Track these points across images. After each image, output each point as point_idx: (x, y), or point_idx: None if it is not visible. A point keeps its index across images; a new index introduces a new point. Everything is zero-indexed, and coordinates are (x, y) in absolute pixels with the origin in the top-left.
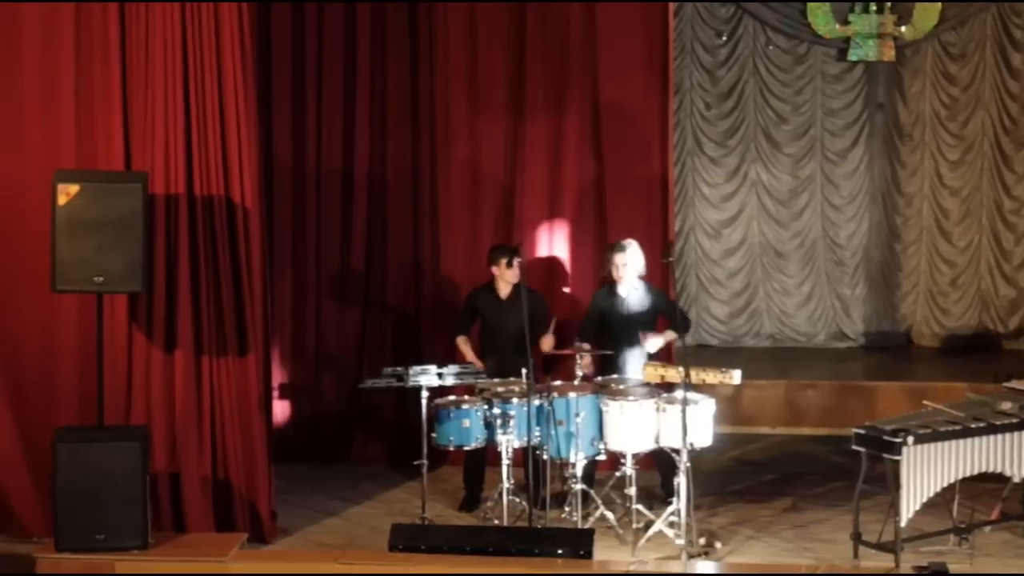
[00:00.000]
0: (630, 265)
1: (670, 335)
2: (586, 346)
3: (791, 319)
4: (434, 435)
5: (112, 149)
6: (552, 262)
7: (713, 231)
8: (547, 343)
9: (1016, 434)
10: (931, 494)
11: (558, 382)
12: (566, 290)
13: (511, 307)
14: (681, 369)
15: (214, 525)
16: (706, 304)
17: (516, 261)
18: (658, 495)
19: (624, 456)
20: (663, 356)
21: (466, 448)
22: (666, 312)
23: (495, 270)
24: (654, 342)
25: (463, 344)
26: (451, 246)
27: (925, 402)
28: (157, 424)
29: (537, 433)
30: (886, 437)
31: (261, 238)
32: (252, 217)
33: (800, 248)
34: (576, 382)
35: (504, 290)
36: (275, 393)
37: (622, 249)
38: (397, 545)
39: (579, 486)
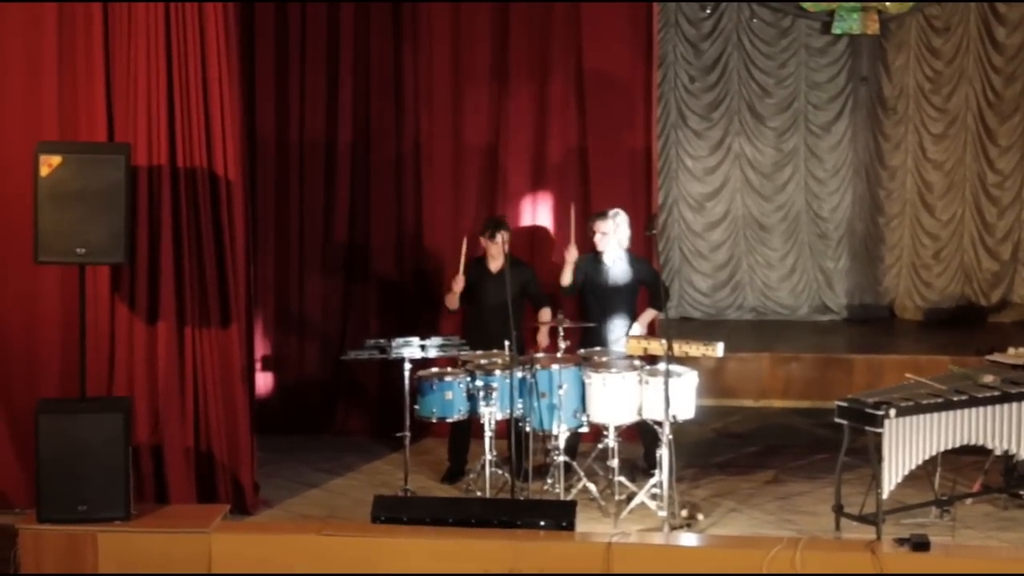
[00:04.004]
0: (612, 235)
1: (651, 314)
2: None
3: (774, 292)
4: (417, 407)
5: (94, 120)
6: (536, 233)
7: (696, 204)
8: (545, 318)
9: (998, 407)
10: (913, 467)
11: (541, 354)
12: (549, 261)
13: (499, 280)
14: (664, 341)
15: (196, 496)
16: (689, 277)
17: (500, 234)
18: (640, 467)
19: (607, 428)
20: (648, 328)
21: (449, 420)
22: (648, 284)
23: (483, 242)
24: (637, 328)
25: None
26: (434, 217)
27: (907, 375)
28: (140, 396)
29: (520, 405)
30: (868, 410)
31: (244, 209)
32: (235, 188)
33: (783, 221)
34: (559, 354)
35: (494, 264)
36: (258, 365)
37: (604, 216)
38: (379, 517)
39: (561, 458)
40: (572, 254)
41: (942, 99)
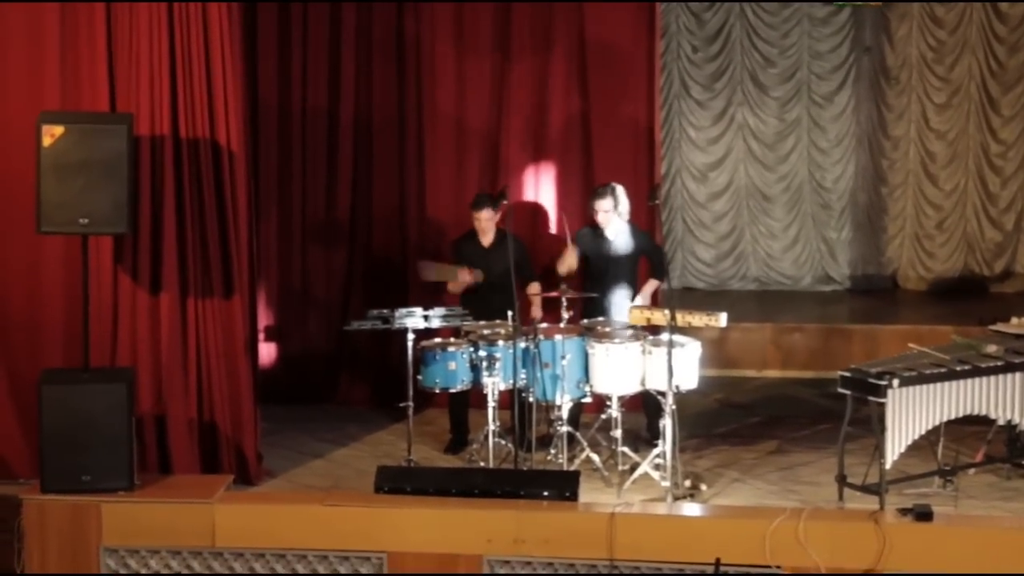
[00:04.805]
0: (613, 211)
1: (653, 284)
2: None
3: (777, 262)
4: (420, 377)
5: (97, 90)
6: (538, 204)
7: (699, 174)
8: (534, 289)
9: (1001, 377)
10: (916, 436)
11: (544, 324)
12: (551, 232)
13: (495, 253)
14: (667, 312)
15: (200, 467)
16: (692, 247)
17: (502, 204)
18: (644, 437)
19: (610, 399)
20: (651, 298)
21: (452, 391)
22: (650, 255)
23: (473, 215)
24: (642, 297)
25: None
26: (437, 187)
27: (911, 345)
28: (143, 366)
29: (523, 375)
30: (871, 380)
31: (246, 180)
32: (237, 159)
33: (786, 191)
34: (562, 324)
35: (486, 239)
36: (261, 335)
37: (603, 195)
38: (383, 487)
39: (565, 428)
40: (571, 253)
41: (945, 69)
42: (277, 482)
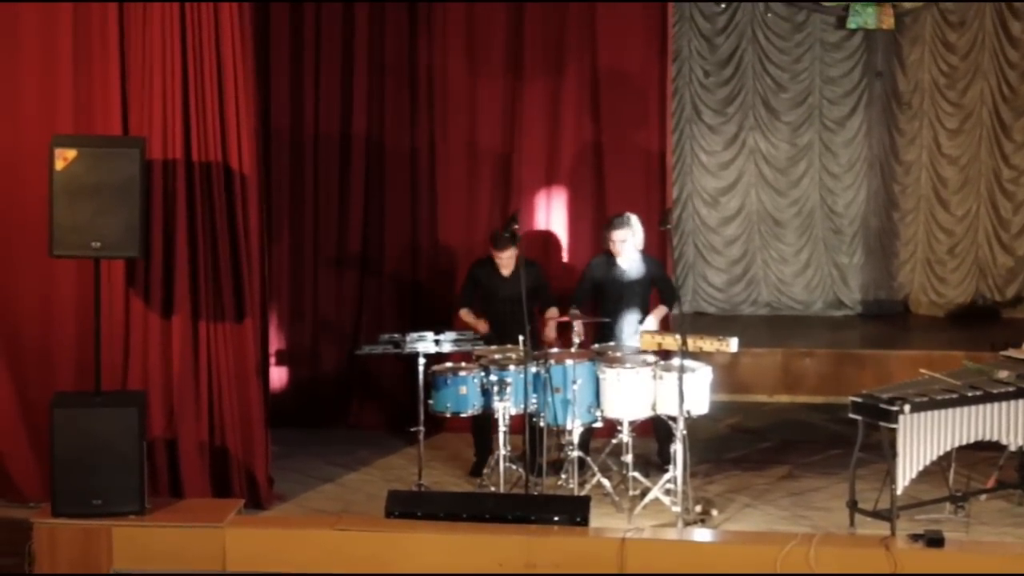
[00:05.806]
0: (629, 241)
1: (663, 310)
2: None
3: (788, 287)
4: (431, 402)
5: (110, 114)
6: (549, 229)
7: (711, 199)
8: (552, 314)
9: (1012, 403)
10: (927, 462)
11: (555, 349)
12: (563, 257)
13: (512, 280)
14: (678, 337)
15: (211, 491)
16: (703, 272)
17: (510, 249)
18: (654, 462)
19: (621, 423)
20: (660, 324)
21: (463, 415)
22: (659, 283)
23: (492, 252)
24: (650, 321)
25: (467, 315)
26: (448, 211)
27: (922, 370)
28: (154, 390)
29: (534, 400)
30: (883, 405)
31: (259, 204)
32: (250, 183)
33: (798, 216)
34: (572, 349)
35: (505, 271)
36: (272, 359)
37: (620, 225)
38: (393, 511)
39: (575, 453)
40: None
41: (957, 94)
42: (288, 506)
